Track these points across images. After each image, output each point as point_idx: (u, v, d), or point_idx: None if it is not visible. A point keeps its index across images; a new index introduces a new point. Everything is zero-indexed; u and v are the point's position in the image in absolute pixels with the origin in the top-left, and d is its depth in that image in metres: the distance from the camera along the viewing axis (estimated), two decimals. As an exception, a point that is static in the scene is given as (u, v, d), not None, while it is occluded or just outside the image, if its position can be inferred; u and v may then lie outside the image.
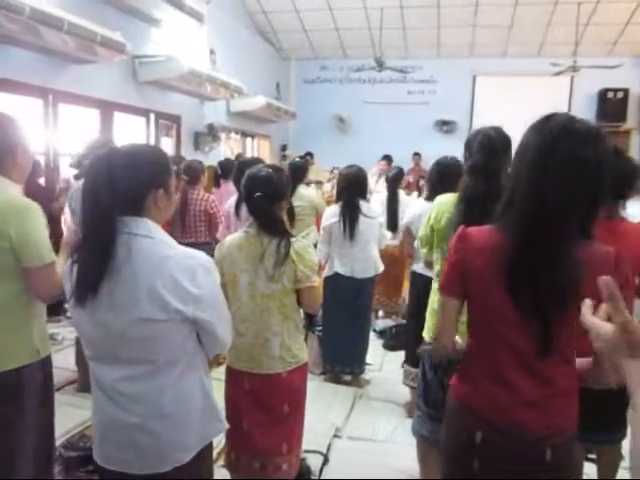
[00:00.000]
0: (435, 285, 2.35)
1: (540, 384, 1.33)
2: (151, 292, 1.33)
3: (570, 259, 1.23)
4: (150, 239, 1.37)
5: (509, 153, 2.10)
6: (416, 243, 3.30)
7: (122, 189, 1.35)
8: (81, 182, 3.35)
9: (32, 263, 1.79)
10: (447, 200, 2.28)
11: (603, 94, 9.54)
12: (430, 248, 2.41)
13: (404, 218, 3.41)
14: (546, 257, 1.25)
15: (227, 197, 4.41)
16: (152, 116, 6.75)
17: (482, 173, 2.03)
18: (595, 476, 2.34)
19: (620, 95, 9.48)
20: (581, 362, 1.38)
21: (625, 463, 2.64)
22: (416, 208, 3.33)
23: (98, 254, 1.32)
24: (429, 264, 2.50)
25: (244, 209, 3.71)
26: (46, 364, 1.98)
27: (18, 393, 1.86)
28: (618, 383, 0.87)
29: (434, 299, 2.29)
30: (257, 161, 3.77)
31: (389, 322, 4.96)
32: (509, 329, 1.32)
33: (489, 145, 2.05)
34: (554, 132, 1.26)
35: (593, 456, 2.37)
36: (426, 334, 2.35)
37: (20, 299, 1.85)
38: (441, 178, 2.98)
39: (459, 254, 1.38)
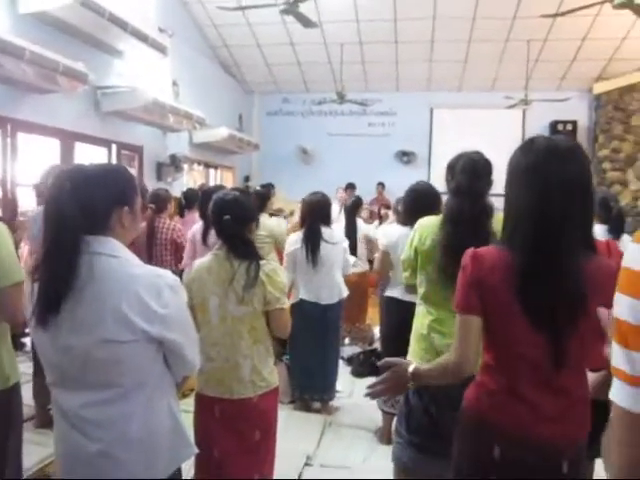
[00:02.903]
0: (420, 309, 2.32)
1: (557, 397, 1.36)
2: (116, 312, 1.29)
3: (576, 273, 1.28)
4: (115, 258, 1.35)
5: (491, 175, 2.17)
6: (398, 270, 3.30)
7: (86, 206, 1.32)
8: (39, 210, 3.35)
9: (1, 283, 1.74)
10: (430, 222, 2.27)
11: (554, 126, 9.98)
12: (413, 271, 2.33)
13: (381, 242, 3.43)
14: (553, 273, 1.30)
15: (192, 226, 4.39)
16: (114, 147, 6.69)
17: (467, 194, 2.07)
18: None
19: (569, 127, 9.93)
20: (592, 376, 1.41)
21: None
22: (393, 234, 3.31)
23: (60, 273, 1.29)
24: (411, 288, 2.42)
25: (212, 236, 3.72)
26: (15, 391, 1.91)
27: None
28: None
29: (422, 322, 2.26)
30: (220, 189, 3.78)
31: (356, 349, 4.96)
32: (524, 344, 1.35)
33: (473, 167, 2.10)
34: (543, 152, 1.34)
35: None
36: (411, 358, 2.32)
37: None
38: (417, 202, 3.03)
39: (475, 273, 1.40)
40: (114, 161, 6.71)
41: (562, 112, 9.61)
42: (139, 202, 1.49)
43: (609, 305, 1.28)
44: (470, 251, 1.44)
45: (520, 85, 8.73)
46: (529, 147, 1.37)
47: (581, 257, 1.31)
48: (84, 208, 1.31)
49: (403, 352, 2.38)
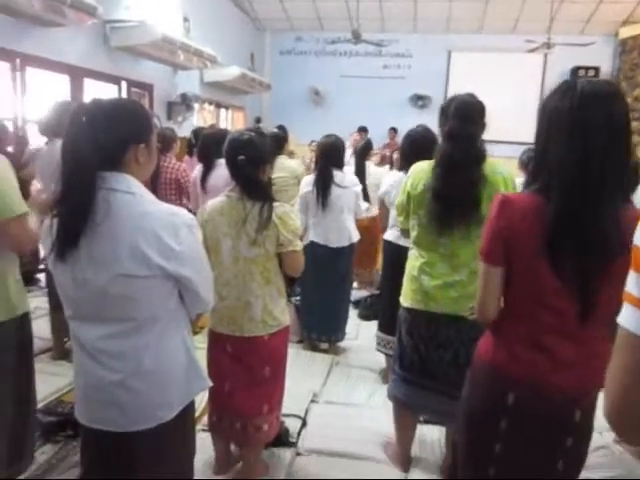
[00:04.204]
0: (412, 252, 2.36)
1: (577, 347, 1.35)
2: (132, 248, 1.31)
3: (616, 221, 1.25)
4: (130, 195, 1.35)
5: (484, 119, 2.14)
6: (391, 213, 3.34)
7: (103, 143, 1.32)
8: (47, 147, 3.33)
9: (4, 216, 1.76)
10: (423, 167, 2.27)
11: (575, 72, 9.66)
12: (406, 216, 2.36)
13: (380, 189, 3.43)
14: (593, 220, 1.26)
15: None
16: (124, 84, 6.59)
17: (459, 138, 2.06)
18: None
19: (591, 73, 9.61)
20: None
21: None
22: (390, 179, 3.35)
23: (78, 209, 1.30)
24: (406, 232, 2.46)
25: (211, 179, 3.71)
26: (25, 322, 1.96)
27: None
28: None
29: (413, 265, 2.30)
30: (223, 133, 3.73)
31: (364, 292, 5.03)
32: (551, 293, 1.33)
33: (465, 111, 2.08)
34: (587, 96, 1.27)
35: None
36: (403, 300, 2.39)
37: None
38: (413, 148, 3.01)
39: (502, 220, 1.36)
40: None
41: (585, 57, 9.30)
42: (155, 139, 1.48)
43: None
44: (499, 196, 1.40)
45: (542, 28, 8.38)
46: (570, 90, 1.29)
47: (620, 207, 1.27)
48: (100, 144, 1.31)
49: (398, 293, 2.43)
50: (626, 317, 0.67)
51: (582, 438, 1.44)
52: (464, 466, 1.56)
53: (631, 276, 0.68)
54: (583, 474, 1.49)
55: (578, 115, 1.27)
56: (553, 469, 1.42)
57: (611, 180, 1.26)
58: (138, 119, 1.43)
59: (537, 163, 1.38)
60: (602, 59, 9.68)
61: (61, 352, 3.36)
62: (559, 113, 1.30)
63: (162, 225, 1.34)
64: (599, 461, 2.53)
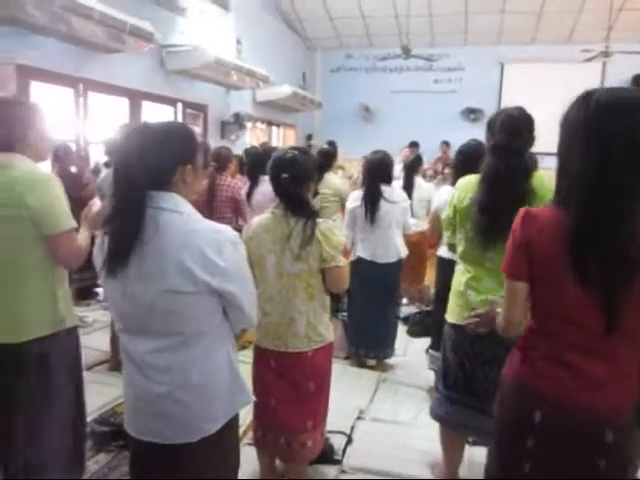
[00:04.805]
0: (458, 267, 2.34)
1: (604, 363, 1.31)
2: (179, 265, 1.36)
3: (636, 234, 1.20)
4: (177, 213, 1.40)
5: (532, 132, 2.10)
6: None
7: (152, 164, 1.38)
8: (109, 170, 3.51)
9: (51, 231, 1.86)
10: (469, 181, 2.26)
11: (636, 80, 9.28)
12: (453, 231, 2.35)
13: (433, 204, 3.39)
14: (614, 233, 1.22)
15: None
16: (179, 105, 6.84)
17: (504, 152, 2.03)
18: None
19: (655, 81, 9.22)
20: None
21: None
22: (445, 194, 3.29)
23: (128, 227, 1.36)
24: (452, 247, 2.45)
25: (256, 194, 3.79)
26: (73, 334, 2.04)
27: (44, 362, 1.91)
28: None
29: (460, 280, 2.28)
30: (268, 151, 3.81)
31: (412, 309, 4.97)
32: (574, 308, 1.30)
33: (512, 124, 2.05)
34: (604, 105, 1.23)
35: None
36: (448, 316, 2.35)
37: (42, 268, 1.91)
38: (464, 162, 2.98)
39: (525, 235, 1.33)
40: (180, 119, 6.87)
41: (647, 65, 8.92)
42: (201, 160, 1.53)
43: None
44: (522, 211, 1.37)
45: (600, 37, 8.11)
46: (587, 100, 1.26)
47: None
48: (149, 165, 1.37)
49: None
50: None
51: (617, 461, 1.36)
52: None
53: None
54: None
55: (593, 126, 1.23)
56: None
57: (631, 193, 1.21)
58: (185, 141, 1.48)
59: (559, 176, 1.35)
60: (666, 66, 9.25)
61: (116, 364, 3.48)
62: (576, 124, 1.27)
63: (207, 242, 1.38)
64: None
